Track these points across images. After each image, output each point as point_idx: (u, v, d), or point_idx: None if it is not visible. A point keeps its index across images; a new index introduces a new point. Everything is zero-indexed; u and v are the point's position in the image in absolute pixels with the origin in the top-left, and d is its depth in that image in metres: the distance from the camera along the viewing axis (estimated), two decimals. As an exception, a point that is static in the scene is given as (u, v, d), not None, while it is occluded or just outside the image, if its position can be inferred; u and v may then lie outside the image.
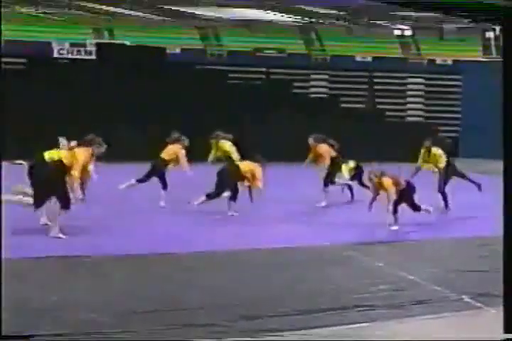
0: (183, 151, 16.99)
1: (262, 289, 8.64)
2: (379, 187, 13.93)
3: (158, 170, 16.73)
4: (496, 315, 6.66)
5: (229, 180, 15.33)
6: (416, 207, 14.26)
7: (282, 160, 29.05)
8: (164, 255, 10.73)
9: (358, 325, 7.23)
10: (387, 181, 13.79)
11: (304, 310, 7.63)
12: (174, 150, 17.03)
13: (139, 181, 16.69)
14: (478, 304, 8.00)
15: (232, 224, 14.16)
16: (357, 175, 18.59)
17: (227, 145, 18.76)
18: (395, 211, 13.78)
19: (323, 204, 17.19)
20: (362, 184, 18.10)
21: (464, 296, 8.32)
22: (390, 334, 6.97)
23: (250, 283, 8.96)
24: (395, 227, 13.69)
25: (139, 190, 16.57)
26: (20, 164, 28.63)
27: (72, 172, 11.89)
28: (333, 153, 18.17)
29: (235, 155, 18.23)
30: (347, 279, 9.30)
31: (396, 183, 13.86)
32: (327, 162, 17.71)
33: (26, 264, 9.65)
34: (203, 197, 15.09)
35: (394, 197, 13.69)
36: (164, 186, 16.54)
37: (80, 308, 7.47)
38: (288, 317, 7.39)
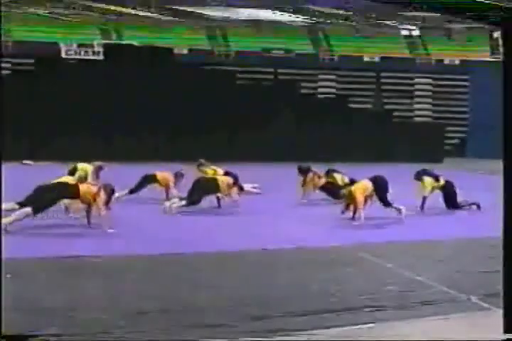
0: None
1: (271, 289, 8.64)
2: (348, 196, 14.61)
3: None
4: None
5: (203, 190, 15.94)
6: (386, 204, 14.88)
7: (290, 160, 29.10)
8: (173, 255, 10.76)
9: (366, 325, 7.23)
10: (354, 191, 14.50)
11: (313, 311, 7.64)
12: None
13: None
14: (487, 305, 7.99)
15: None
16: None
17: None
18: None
19: None
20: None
21: (472, 297, 8.32)
22: (399, 334, 6.97)
23: (260, 283, 8.97)
24: (356, 223, 14.21)
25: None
26: (28, 164, 28.88)
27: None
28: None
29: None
30: (356, 280, 9.30)
31: (363, 190, 14.55)
32: None
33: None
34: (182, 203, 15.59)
35: (361, 206, 14.39)
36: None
37: (89, 308, 7.50)
38: (297, 317, 7.40)
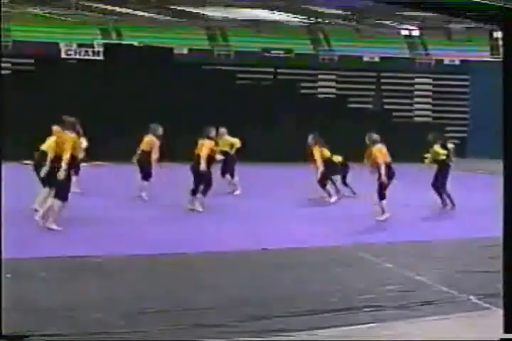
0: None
1: (272, 289, 8.65)
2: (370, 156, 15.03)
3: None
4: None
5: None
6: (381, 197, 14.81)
7: (290, 161, 29.17)
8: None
9: (366, 325, 7.23)
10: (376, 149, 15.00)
11: (312, 311, 7.64)
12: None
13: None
14: (487, 305, 7.99)
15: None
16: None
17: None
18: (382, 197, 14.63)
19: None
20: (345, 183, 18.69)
21: (472, 297, 8.32)
22: (399, 334, 6.97)
23: (260, 284, 8.97)
24: (381, 218, 14.43)
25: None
26: (28, 164, 28.85)
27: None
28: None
29: None
30: (356, 280, 9.30)
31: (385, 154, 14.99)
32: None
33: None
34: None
35: (383, 165, 14.67)
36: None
37: (89, 308, 7.49)
38: (297, 317, 7.40)
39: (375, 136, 15.34)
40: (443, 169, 16.88)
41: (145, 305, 7.65)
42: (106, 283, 8.77)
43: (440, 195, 16.89)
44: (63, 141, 12.88)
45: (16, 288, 7.71)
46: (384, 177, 14.57)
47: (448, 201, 16.85)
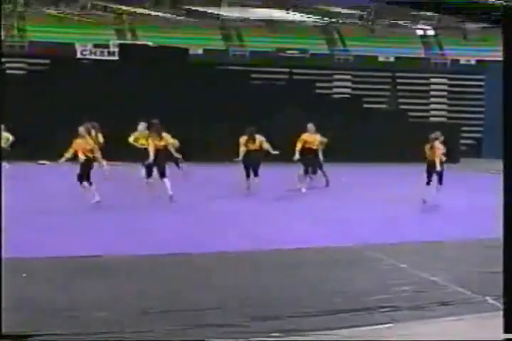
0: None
1: (284, 290, 8.60)
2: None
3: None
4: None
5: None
6: None
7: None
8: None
9: (380, 325, 7.17)
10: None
11: (326, 311, 7.58)
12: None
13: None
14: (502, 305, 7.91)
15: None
16: None
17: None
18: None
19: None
20: None
21: (487, 297, 8.25)
22: (413, 335, 6.90)
23: (273, 284, 8.92)
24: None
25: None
26: (44, 164, 29.05)
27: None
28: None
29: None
30: (369, 280, 9.23)
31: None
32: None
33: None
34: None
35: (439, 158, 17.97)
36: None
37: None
38: (309, 317, 7.34)
39: (438, 134, 18.71)
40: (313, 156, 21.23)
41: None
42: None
43: (306, 173, 20.95)
44: (165, 138, 18.40)
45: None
46: (440, 167, 17.58)
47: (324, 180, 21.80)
